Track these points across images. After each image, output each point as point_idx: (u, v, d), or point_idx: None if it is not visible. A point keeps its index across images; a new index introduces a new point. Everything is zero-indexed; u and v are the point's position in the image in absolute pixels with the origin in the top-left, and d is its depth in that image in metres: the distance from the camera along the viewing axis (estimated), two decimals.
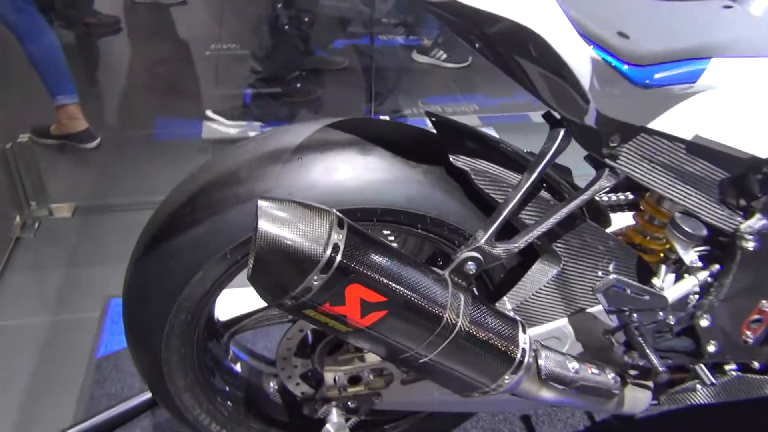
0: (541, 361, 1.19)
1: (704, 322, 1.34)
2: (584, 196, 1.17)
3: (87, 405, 1.91)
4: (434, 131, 1.24)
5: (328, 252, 0.95)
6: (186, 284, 1.21)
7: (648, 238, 1.38)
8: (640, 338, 1.29)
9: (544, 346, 1.21)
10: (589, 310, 1.34)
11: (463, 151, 1.20)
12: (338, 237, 0.96)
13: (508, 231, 1.19)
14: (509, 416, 1.94)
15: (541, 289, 1.28)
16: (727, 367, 1.46)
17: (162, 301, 1.23)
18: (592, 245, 1.27)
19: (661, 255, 1.37)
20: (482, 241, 1.11)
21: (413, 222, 1.19)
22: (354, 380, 1.33)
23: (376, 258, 1.00)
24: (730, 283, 1.31)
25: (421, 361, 1.09)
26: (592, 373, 1.27)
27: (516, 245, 1.14)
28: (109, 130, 3.40)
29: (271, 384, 1.58)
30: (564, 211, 1.16)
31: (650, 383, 1.45)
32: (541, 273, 1.28)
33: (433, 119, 1.26)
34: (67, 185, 2.97)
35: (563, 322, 1.33)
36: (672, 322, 1.32)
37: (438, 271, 1.10)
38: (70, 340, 2.16)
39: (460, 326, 1.07)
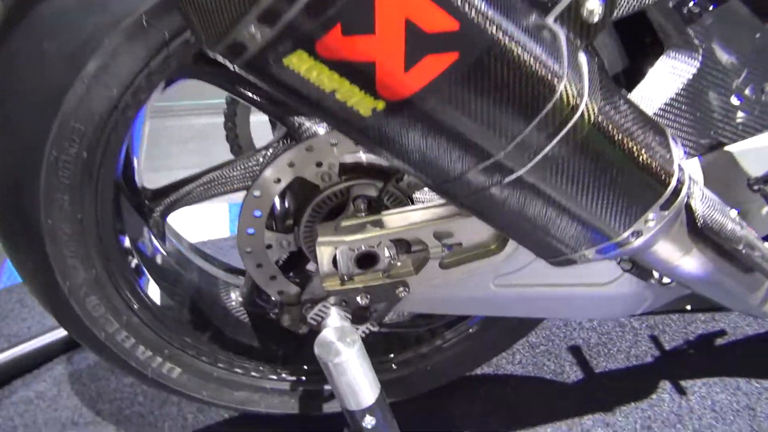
0: (694, 201, 0.69)
1: None
2: None
3: None
4: None
5: None
6: (70, 86, 0.68)
7: None
8: None
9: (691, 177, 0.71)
10: (729, 147, 0.85)
11: None
12: None
13: None
14: (553, 347, 1.45)
15: (666, 103, 0.78)
16: None
17: (34, 119, 0.70)
18: (745, 43, 0.78)
19: None
20: None
21: None
22: (365, 261, 0.82)
23: None
24: None
25: (502, 182, 0.58)
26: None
27: None
28: None
29: (232, 294, 1.05)
30: None
31: None
32: (671, 72, 0.78)
33: None
34: None
35: (692, 163, 0.84)
36: None
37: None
38: None
39: (585, 111, 0.56)
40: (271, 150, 0.90)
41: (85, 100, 0.69)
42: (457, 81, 0.51)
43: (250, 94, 0.85)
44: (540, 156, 0.57)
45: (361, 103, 0.52)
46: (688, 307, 1.11)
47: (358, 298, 0.83)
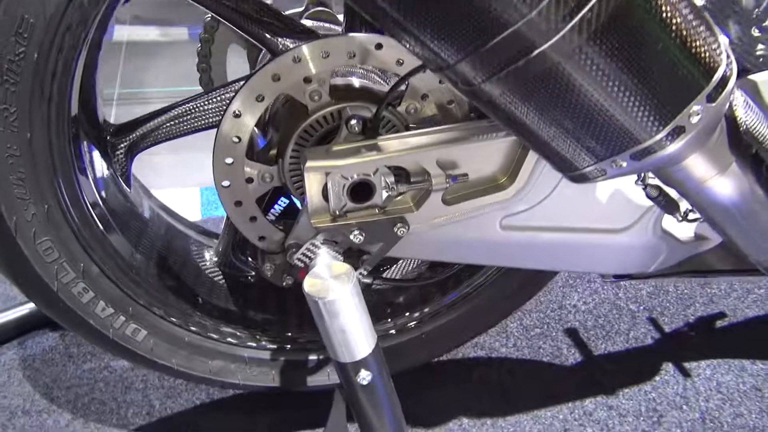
0: (736, 104, 0.61)
1: None
2: None
3: None
4: None
5: None
6: None
7: None
8: None
9: None
10: (752, 76, 0.78)
11: None
12: None
13: None
14: (548, 330, 1.37)
15: None
16: None
17: None
18: None
19: None
20: None
21: None
22: (359, 193, 0.72)
23: None
24: None
25: (528, 58, 0.49)
26: None
27: None
28: None
29: (206, 254, 0.94)
30: None
31: None
32: None
33: None
34: None
35: None
36: None
37: None
38: None
39: None
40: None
41: None
42: None
43: (231, 12, 0.75)
44: (575, 21, 0.48)
45: None
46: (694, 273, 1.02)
47: (351, 236, 0.73)
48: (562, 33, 0.48)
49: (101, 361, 1.15)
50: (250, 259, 0.93)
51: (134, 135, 0.81)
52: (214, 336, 0.88)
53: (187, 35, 2.80)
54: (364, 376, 0.71)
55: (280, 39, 0.76)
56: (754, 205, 0.71)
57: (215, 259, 0.93)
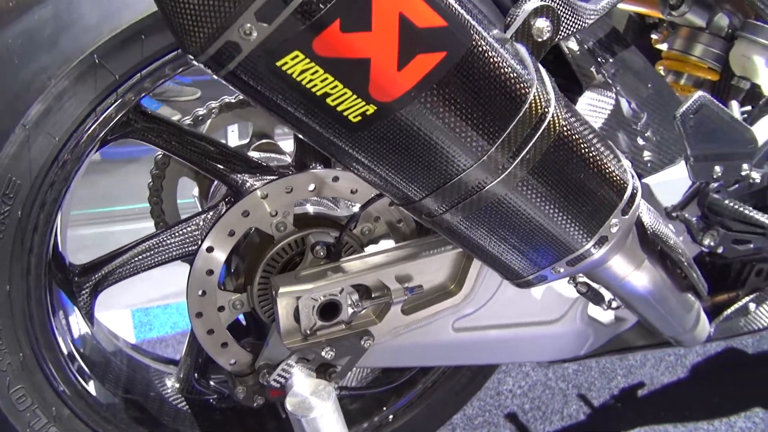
0: (642, 214, 0.74)
1: None
2: None
3: None
4: None
5: None
6: (10, 131, 0.63)
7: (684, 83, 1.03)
8: (729, 201, 0.90)
9: None
10: (645, 180, 0.93)
11: None
12: None
13: None
14: (493, 418, 1.44)
15: None
16: None
17: None
18: (643, 89, 0.89)
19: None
20: None
21: None
22: (327, 312, 0.78)
23: None
24: None
25: (479, 193, 0.60)
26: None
27: (596, 7, 0.71)
28: None
29: (167, 382, 0.96)
30: None
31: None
32: (591, 108, 0.85)
33: None
34: None
35: None
36: (756, 180, 0.94)
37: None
38: None
39: (553, 117, 0.59)
40: (211, 213, 0.86)
41: (24, 149, 0.64)
42: (444, 80, 0.53)
43: (194, 155, 0.82)
44: (516, 162, 0.59)
45: (352, 107, 0.52)
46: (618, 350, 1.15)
47: (323, 353, 0.79)
48: (507, 171, 0.59)
49: None
50: (212, 383, 0.95)
51: (99, 274, 0.84)
52: None
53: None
54: None
55: (239, 175, 0.83)
56: (664, 292, 0.84)
57: (177, 385, 0.94)
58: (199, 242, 0.84)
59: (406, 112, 0.53)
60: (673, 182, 0.95)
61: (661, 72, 1.06)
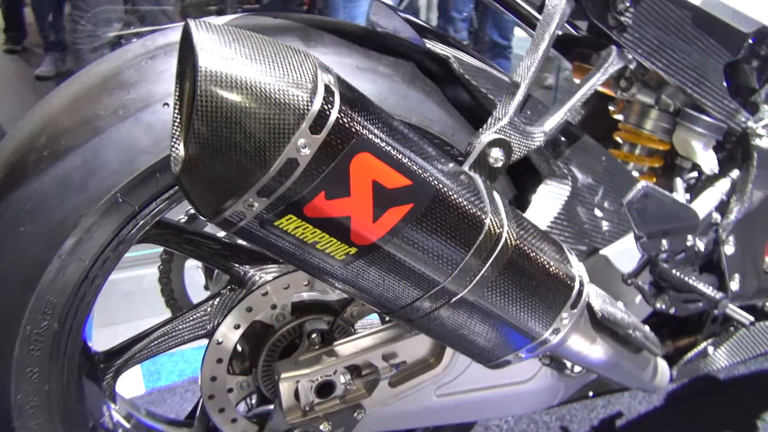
0: (591, 299, 0.86)
1: (729, 249, 1.11)
2: (598, 76, 0.91)
3: None
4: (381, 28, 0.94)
5: (320, 97, 0.57)
6: (48, 262, 0.74)
7: (639, 153, 1.15)
8: (675, 270, 1.01)
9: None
10: (603, 251, 1.05)
11: (437, 39, 0.89)
12: (329, 80, 0.59)
13: None
14: None
15: (550, 222, 0.97)
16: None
17: (10, 294, 0.75)
18: (596, 166, 1.00)
19: (654, 178, 1.15)
20: (506, 120, 0.79)
21: None
22: (323, 390, 0.90)
23: (383, 118, 0.63)
24: (751, 191, 1.09)
25: (449, 302, 0.72)
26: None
27: (545, 129, 0.83)
28: None
29: None
30: (582, 93, 0.89)
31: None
32: (550, 197, 0.97)
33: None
34: None
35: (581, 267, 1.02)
36: (701, 249, 1.06)
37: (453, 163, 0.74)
38: None
39: (507, 238, 0.71)
40: (217, 300, 0.98)
41: (60, 274, 0.75)
42: (412, 226, 0.65)
43: (200, 252, 0.93)
44: (478, 277, 0.71)
45: (338, 250, 0.64)
46: (591, 394, 1.26)
47: (321, 426, 0.90)
48: (470, 287, 0.71)
49: None
50: None
51: (121, 360, 0.95)
52: None
53: None
54: None
55: (241, 267, 0.95)
56: (617, 359, 0.96)
57: None
58: (207, 327, 0.96)
59: (381, 251, 0.65)
60: (630, 250, 1.07)
61: (619, 141, 1.18)
